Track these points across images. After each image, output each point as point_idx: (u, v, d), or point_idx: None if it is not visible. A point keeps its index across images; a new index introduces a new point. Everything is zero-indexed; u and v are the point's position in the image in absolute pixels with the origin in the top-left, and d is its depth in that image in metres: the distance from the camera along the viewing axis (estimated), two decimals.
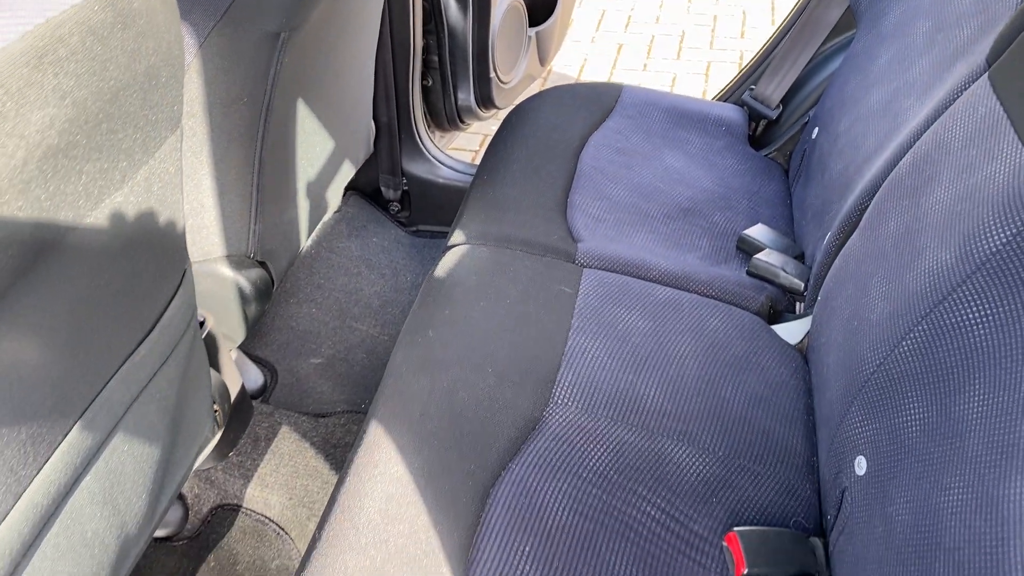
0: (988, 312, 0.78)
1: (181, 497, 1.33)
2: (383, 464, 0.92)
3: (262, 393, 1.54)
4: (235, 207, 1.25)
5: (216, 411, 1.16)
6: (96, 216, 0.72)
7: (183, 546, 1.29)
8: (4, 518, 0.73)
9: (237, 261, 1.32)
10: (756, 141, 1.71)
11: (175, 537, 1.30)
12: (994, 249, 0.79)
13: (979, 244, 0.81)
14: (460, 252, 1.24)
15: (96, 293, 0.77)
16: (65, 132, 0.61)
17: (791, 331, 1.21)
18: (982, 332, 0.78)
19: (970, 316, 0.80)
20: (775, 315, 1.27)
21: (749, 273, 1.29)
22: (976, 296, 0.80)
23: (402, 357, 1.06)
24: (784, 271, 1.27)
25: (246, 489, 1.36)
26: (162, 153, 0.83)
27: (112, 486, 0.89)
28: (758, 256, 1.30)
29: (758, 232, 1.36)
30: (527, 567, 0.85)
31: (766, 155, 1.66)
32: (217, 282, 1.31)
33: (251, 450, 1.41)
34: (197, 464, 1.33)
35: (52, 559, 0.80)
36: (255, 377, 1.56)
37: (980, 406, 0.75)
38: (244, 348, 1.61)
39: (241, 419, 1.40)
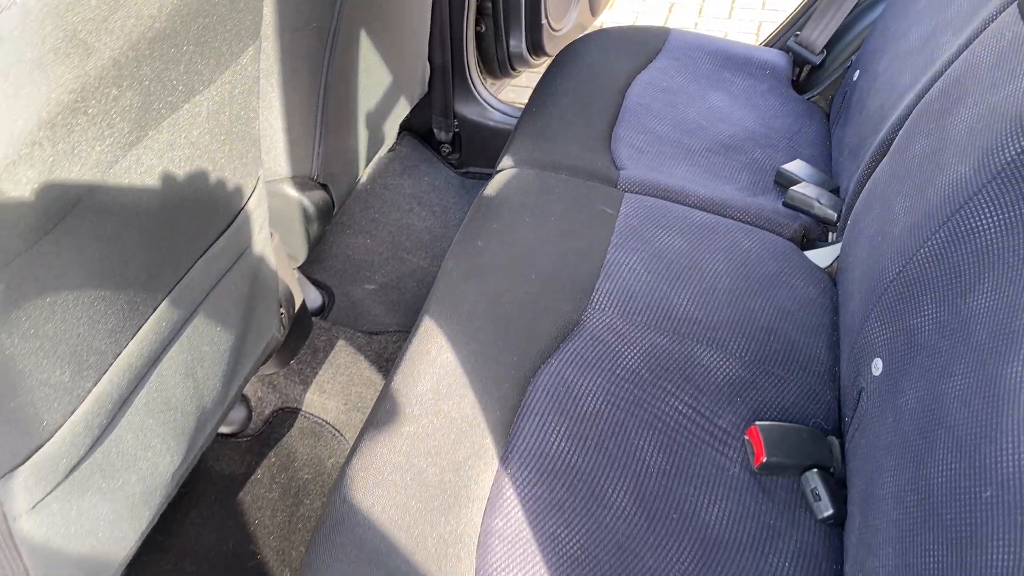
0: (1000, 217, 0.84)
1: (245, 399, 1.45)
2: (434, 352, 1.01)
3: (320, 312, 1.65)
4: (301, 130, 1.35)
5: (282, 313, 1.26)
6: (187, 110, 0.82)
7: (247, 443, 1.40)
8: (105, 372, 0.84)
9: (301, 182, 1.41)
10: (799, 86, 1.76)
11: (240, 434, 1.41)
12: (1008, 159, 0.85)
13: (995, 156, 0.87)
14: (508, 175, 1.32)
15: (184, 184, 0.87)
16: (171, 18, 0.71)
17: (822, 256, 1.27)
18: (994, 235, 0.84)
19: (983, 222, 0.85)
20: (808, 243, 1.32)
21: (785, 204, 1.35)
22: (990, 203, 0.85)
23: (453, 264, 1.15)
24: (819, 202, 1.33)
25: (305, 394, 1.46)
26: (244, 60, 0.92)
27: (193, 361, 0.99)
28: (794, 188, 1.35)
29: (796, 167, 1.41)
30: (561, 443, 0.94)
31: (808, 99, 1.70)
32: (283, 202, 1.40)
33: (310, 360, 1.52)
34: (262, 368, 1.44)
35: (143, 415, 0.91)
36: (314, 297, 1.66)
37: (988, 301, 0.81)
38: (304, 271, 1.72)
39: (302, 331, 1.51)
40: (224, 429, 1.41)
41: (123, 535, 0.93)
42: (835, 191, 1.39)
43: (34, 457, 0.76)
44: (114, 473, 0.88)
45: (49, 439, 0.78)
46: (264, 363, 1.32)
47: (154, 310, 0.90)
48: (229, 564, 1.25)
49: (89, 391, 0.82)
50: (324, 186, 1.45)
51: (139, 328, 0.88)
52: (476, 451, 0.92)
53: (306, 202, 1.42)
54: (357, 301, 1.70)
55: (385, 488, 0.86)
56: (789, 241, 1.28)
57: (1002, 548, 0.66)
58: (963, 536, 0.71)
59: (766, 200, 1.36)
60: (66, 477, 0.81)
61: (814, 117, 1.62)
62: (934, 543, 0.74)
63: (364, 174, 1.96)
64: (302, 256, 1.49)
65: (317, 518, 1.31)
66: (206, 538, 1.27)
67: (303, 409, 1.45)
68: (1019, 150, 0.83)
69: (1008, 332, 0.77)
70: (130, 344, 0.87)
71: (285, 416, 1.44)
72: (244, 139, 0.98)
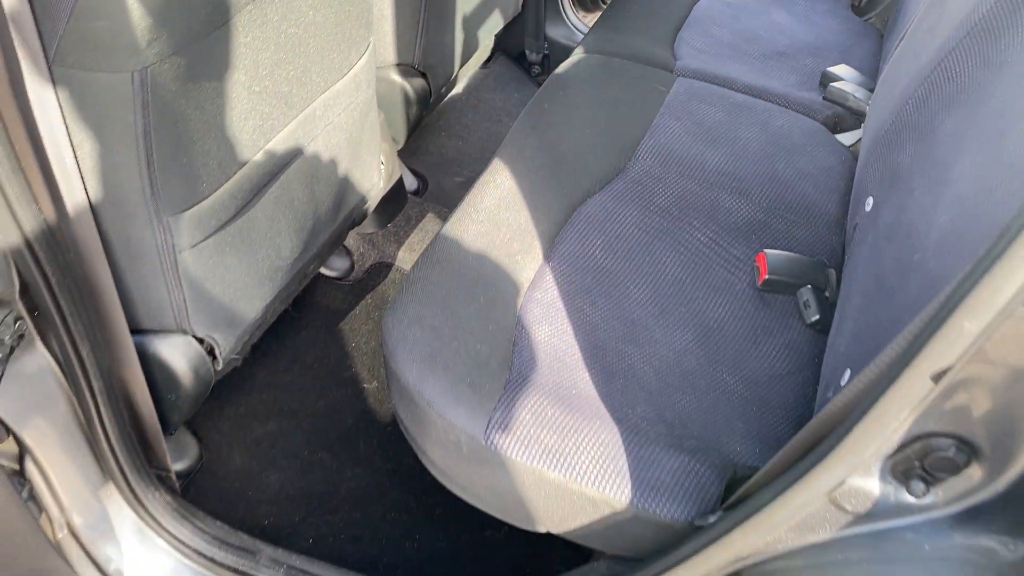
0: (972, 63, 1.00)
1: (349, 253, 1.72)
2: (498, 180, 1.24)
3: (415, 193, 1.91)
4: (407, 21, 1.60)
5: (383, 164, 1.52)
6: None
7: (348, 286, 1.68)
8: (247, 162, 1.11)
9: (404, 70, 1.67)
10: (859, 8, 1.90)
11: (343, 280, 1.68)
12: (982, 16, 1.01)
13: (973, 14, 1.03)
14: (578, 58, 1.54)
15: (316, 26, 1.13)
16: None
17: (847, 137, 1.43)
18: (965, 78, 1.00)
19: (958, 68, 1.02)
20: (839, 130, 1.49)
21: (824, 98, 1.52)
22: (964, 52, 1.02)
23: (521, 122, 1.38)
24: (854, 96, 1.49)
25: (398, 252, 1.73)
26: None
27: (311, 175, 1.26)
28: (834, 83, 1.52)
29: (840, 69, 1.57)
30: (596, 251, 1.16)
31: (866, 20, 1.85)
32: (388, 86, 1.66)
33: (404, 225, 1.78)
34: (364, 226, 1.71)
35: (272, 205, 1.18)
36: (411, 181, 1.92)
37: (953, 126, 0.98)
38: (403, 160, 1.98)
39: (398, 201, 1.77)
40: (331, 274, 1.68)
41: (252, 298, 1.20)
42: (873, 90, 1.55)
43: (196, 207, 1.04)
44: (250, 243, 1.16)
45: (206, 198, 1.05)
46: (365, 218, 1.58)
47: (286, 125, 1.17)
48: (329, 373, 1.52)
49: (235, 172, 1.09)
50: (423, 75, 1.70)
51: (275, 134, 1.15)
52: (526, 248, 1.15)
53: (408, 87, 1.67)
54: (447, 190, 1.95)
55: (451, 263, 1.10)
56: (821, 124, 1.45)
57: (917, 285, 0.85)
58: (896, 292, 0.89)
59: (807, 93, 1.53)
60: (216, 231, 1.08)
61: (868, 36, 1.76)
62: (881, 307, 0.93)
63: (460, 86, 2.21)
64: (402, 138, 1.75)
65: None
66: (312, 353, 1.55)
67: (396, 264, 1.71)
68: (991, 6, 1.00)
69: (963, 143, 0.94)
70: (267, 145, 1.14)
71: (381, 268, 1.71)
72: (360, 7, 1.23)
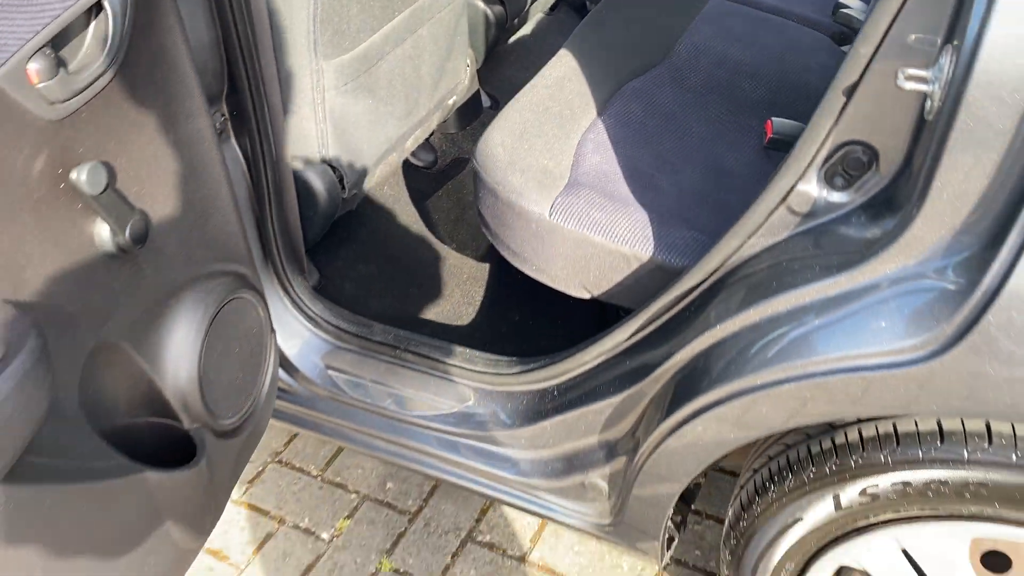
0: None
1: (433, 148, 2.08)
2: (564, 62, 1.59)
3: (490, 108, 2.27)
4: None
5: (468, 67, 1.87)
6: None
7: (433, 174, 2.03)
8: (381, 28, 1.47)
9: None
10: None
11: (429, 169, 2.04)
12: None
13: None
14: None
15: None
16: None
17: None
18: None
19: None
20: (843, 44, 1.80)
21: (833, 20, 1.83)
22: None
23: (582, 26, 1.72)
24: (858, 19, 1.80)
25: (475, 148, 2.08)
26: None
27: (418, 55, 1.62)
28: (844, 9, 1.83)
29: (852, 1, 1.88)
30: (639, 113, 1.50)
31: None
32: (472, 9, 2.02)
33: (479, 129, 2.13)
34: (447, 125, 2.06)
35: (392, 70, 1.54)
36: (485, 99, 2.28)
37: None
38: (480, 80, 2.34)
39: (476, 108, 2.12)
40: (420, 164, 2.04)
41: (373, 141, 1.57)
42: None
43: (342, 57, 1.40)
44: (375, 96, 1.52)
45: (350, 51, 1.42)
46: (451, 114, 1.94)
47: (404, 10, 1.53)
48: (419, 234, 1.88)
49: (369, 37, 1.46)
50: (502, 2, 2.06)
51: (396, 15, 1.51)
52: (584, 106, 1.49)
53: (489, 12, 2.03)
54: None
55: (526, 111, 1.45)
56: (828, 38, 1.77)
57: None
58: None
59: (820, 16, 1.85)
60: (353, 80, 1.45)
61: None
62: None
63: (528, 28, 2.56)
64: (481, 57, 2.10)
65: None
66: (406, 218, 1.91)
67: (470, 158, 2.07)
68: None
69: None
70: (391, 21, 1.50)
71: (459, 162, 2.06)
72: None
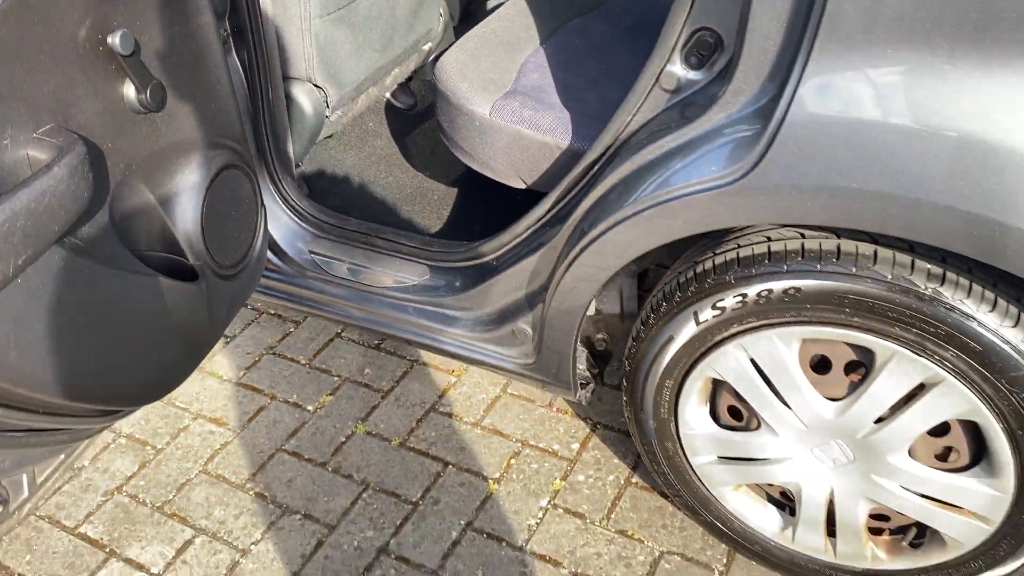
0: None
1: (413, 93, 2.36)
2: (514, 2, 1.87)
3: None
4: None
5: (441, 16, 2.16)
6: None
7: (411, 115, 2.32)
8: None
9: None
10: None
11: (409, 110, 2.33)
12: None
13: None
14: None
15: None
16: None
17: None
18: None
19: None
20: None
21: None
22: None
23: None
24: None
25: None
26: None
27: (389, 1, 1.91)
28: None
29: None
30: (577, 43, 1.78)
31: None
32: None
33: None
34: (424, 71, 2.35)
35: (370, 7, 1.83)
36: None
37: None
38: None
39: None
40: (401, 106, 2.33)
41: (353, 68, 1.86)
42: None
43: None
44: (355, 28, 1.81)
45: None
46: (426, 61, 2.23)
47: None
48: (397, 161, 2.16)
49: None
50: None
51: None
52: (530, 36, 1.77)
53: None
54: None
55: (479, 38, 1.74)
56: None
57: None
58: None
59: None
60: (335, 11, 1.74)
61: None
62: None
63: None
64: (457, 14, 2.39)
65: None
66: (385, 149, 2.19)
67: None
68: None
69: None
70: None
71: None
72: None
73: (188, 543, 1.67)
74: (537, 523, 1.66)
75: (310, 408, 1.95)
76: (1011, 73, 0.94)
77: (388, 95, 2.32)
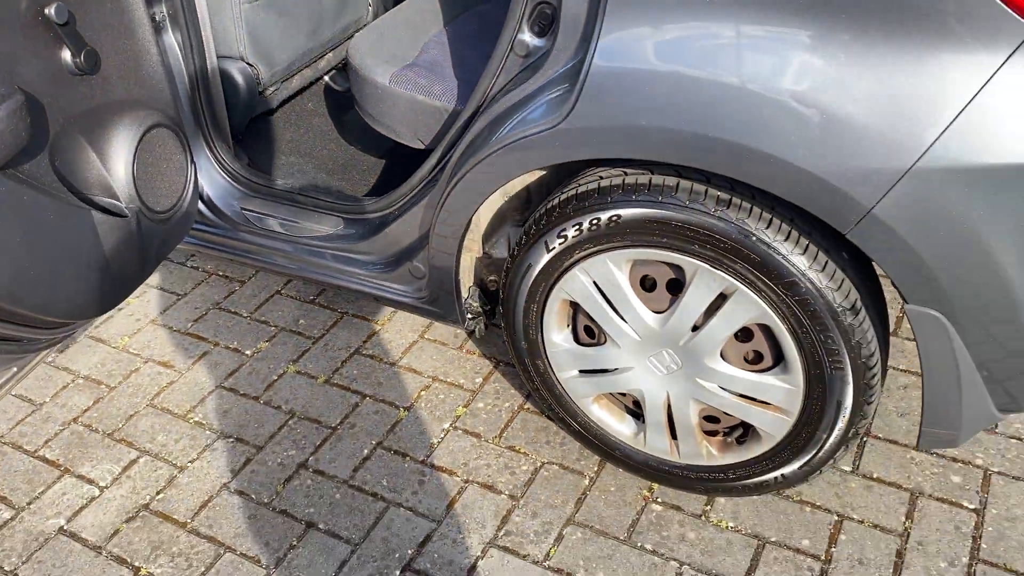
0: None
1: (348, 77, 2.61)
2: None
3: None
4: None
5: (371, 6, 2.41)
6: None
7: (347, 96, 2.56)
8: None
9: None
10: None
11: (343, 92, 2.57)
12: None
13: None
14: None
15: None
16: None
17: None
18: None
19: None
20: None
21: None
22: None
23: None
24: None
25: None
26: None
27: None
28: None
29: None
30: (472, 29, 2.02)
31: None
32: None
33: None
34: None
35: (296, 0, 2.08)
36: None
37: None
38: None
39: None
40: (339, 89, 2.57)
41: (283, 48, 2.11)
42: None
43: None
44: (283, 13, 2.06)
45: None
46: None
47: None
48: (331, 137, 2.40)
49: None
50: None
51: None
52: (435, 20, 2.02)
53: None
54: None
55: (388, 22, 1.98)
56: None
57: None
58: None
59: None
60: None
61: None
62: None
63: None
64: (389, 6, 2.64)
65: None
66: (321, 126, 2.44)
67: None
68: None
69: None
70: None
71: None
72: None
73: (133, 462, 1.90)
74: (438, 442, 1.90)
75: (248, 352, 2.19)
76: (733, 27, 1.19)
77: (327, 79, 2.56)
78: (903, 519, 1.65)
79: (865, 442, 1.81)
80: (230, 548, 1.70)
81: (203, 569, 1.66)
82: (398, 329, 2.22)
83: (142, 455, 1.92)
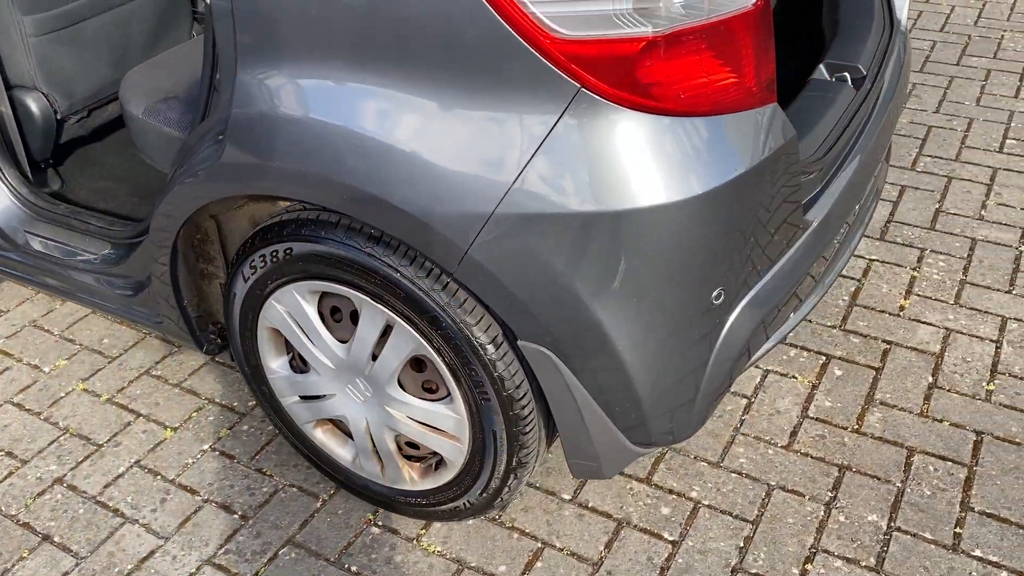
0: None
1: None
2: None
3: None
4: None
5: (194, 37, 2.51)
6: None
7: None
8: None
9: None
10: None
11: None
12: None
13: None
14: None
15: None
16: None
17: None
18: None
19: None
20: None
21: None
22: None
23: None
24: None
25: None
26: None
27: (127, 19, 2.25)
28: None
29: None
30: None
31: None
32: None
33: None
34: None
35: (96, 29, 2.18)
36: None
37: None
38: None
39: None
40: None
41: (81, 80, 2.20)
42: None
43: (41, 13, 2.04)
44: (81, 46, 2.16)
45: (50, 10, 2.05)
46: None
47: None
48: (140, 160, 2.49)
49: (69, 1, 2.10)
50: None
51: None
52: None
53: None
54: None
55: (162, 60, 2.08)
56: None
57: None
58: None
59: None
60: (56, 31, 2.08)
61: None
62: None
63: None
64: None
65: None
66: (135, 150, 2.53)
67: None
68: None
69: None
70: None
71: None
72: None
73: None
74: (193, 462, 1.97)
75: (46, 369, 2.26)
76: (336, 79, 1.27)
77: None
78: (602, 548, 1.71)
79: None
80: None
81: None
82: (192, 351, 2.29)
83: None
